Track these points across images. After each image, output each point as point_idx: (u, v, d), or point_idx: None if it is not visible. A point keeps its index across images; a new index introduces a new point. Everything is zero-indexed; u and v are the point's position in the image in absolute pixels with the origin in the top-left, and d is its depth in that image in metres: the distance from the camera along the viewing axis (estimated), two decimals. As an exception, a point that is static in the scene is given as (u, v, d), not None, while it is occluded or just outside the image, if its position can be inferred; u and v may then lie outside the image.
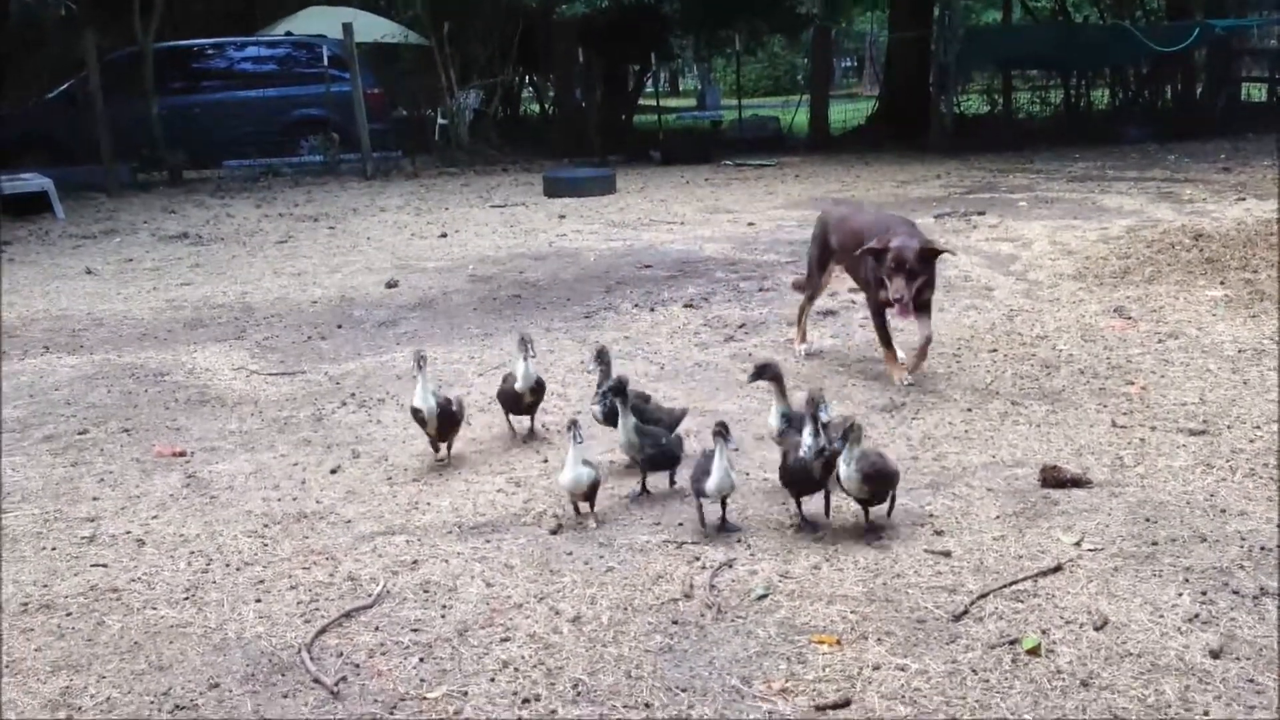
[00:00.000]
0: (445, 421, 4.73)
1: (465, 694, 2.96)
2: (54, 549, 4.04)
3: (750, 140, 20.53)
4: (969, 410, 5.24)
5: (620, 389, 4.43)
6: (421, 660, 3.14)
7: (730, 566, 3.65)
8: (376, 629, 3.34)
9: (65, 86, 17.36)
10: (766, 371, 4.43)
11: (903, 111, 20.28)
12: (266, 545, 4.01)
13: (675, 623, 3.29)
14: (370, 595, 3.54)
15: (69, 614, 3.51)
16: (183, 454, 5.05)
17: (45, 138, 16.57)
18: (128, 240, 11.73)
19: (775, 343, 6.63)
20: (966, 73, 20.48)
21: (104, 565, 3.88)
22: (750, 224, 11.09)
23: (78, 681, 3.09)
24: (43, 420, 5.61)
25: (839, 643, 3.15)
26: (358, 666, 3.12)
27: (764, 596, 3.43)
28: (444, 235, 11.15)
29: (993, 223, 10.13)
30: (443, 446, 4.85)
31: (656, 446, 4.35)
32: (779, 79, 43.04)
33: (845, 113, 23.94)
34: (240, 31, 20.10)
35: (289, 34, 19.33)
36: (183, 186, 16.18)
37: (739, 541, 3.85)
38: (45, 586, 3.71)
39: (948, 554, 3.69)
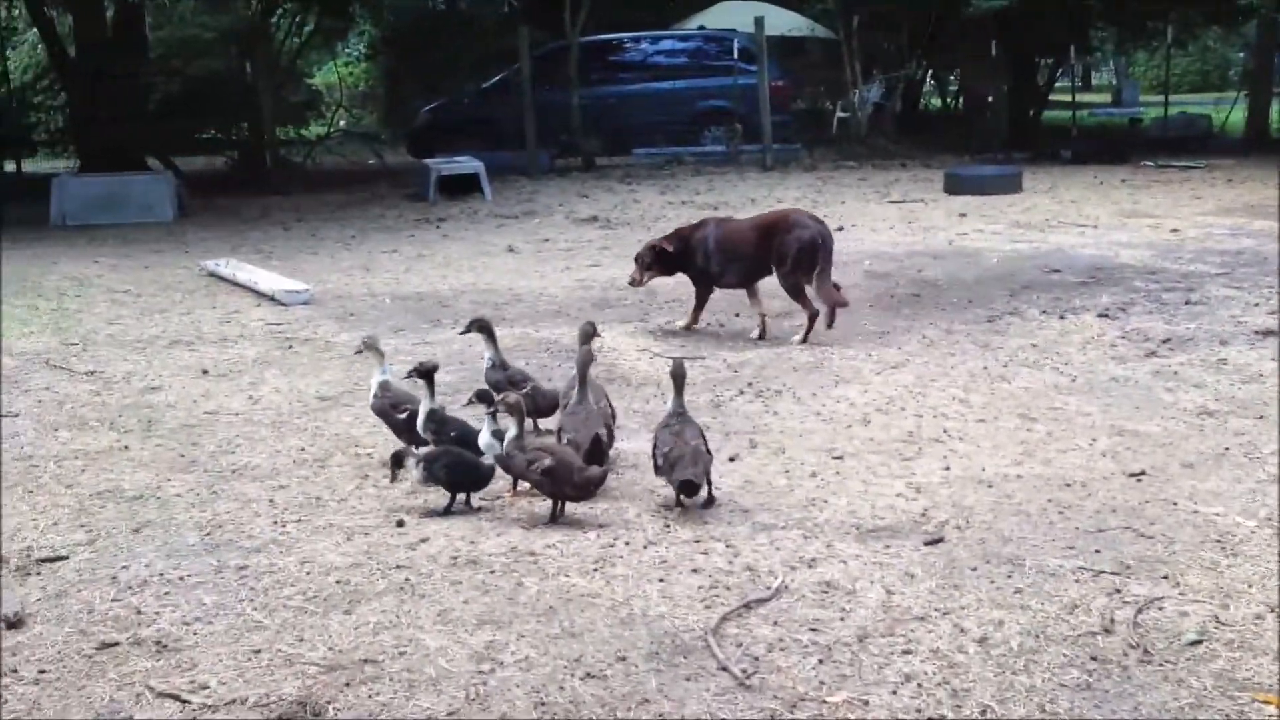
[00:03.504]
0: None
1: (866, 703, 2.89)
2: (484, 508, 4.35)
3: (1173, 140, 18.92)
4: None
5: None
6: (820, 662, 3.10)
7: (1158, 604, 3.35)
8: (775, 623, 3.33)
9: (498, 78, 18.80)
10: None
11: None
12: (668, 527, 4.11)
13: (1094, 659, 3.06)
14: (769, 588, 3.54)
15: (492, 571, 3.75)
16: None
17: (479, 124, 18.02)
18: (545, 221, 12.53)
19: (1205, 362, 6.06)
20: None
21: (522, 528, 4.13)
22: (1174, 230, 10.23)
23: (500, 637, 3.29)
24: (471, 386, 6.05)
25: (1288, 707, 2.81)
26: (757, 659, 3.12)
27: (1197, 642, 3.12)
28: (840, 229, 11.04)
29: None
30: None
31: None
32: (1208, 74, 39.51)
33: (1288, 111, 21.57)
34: (656, 25, 20.94)
35: (702, 28, 19.93)
36: (594, 172, 17.07)
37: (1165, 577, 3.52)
38: (472, 543, 3.99)
39: None
